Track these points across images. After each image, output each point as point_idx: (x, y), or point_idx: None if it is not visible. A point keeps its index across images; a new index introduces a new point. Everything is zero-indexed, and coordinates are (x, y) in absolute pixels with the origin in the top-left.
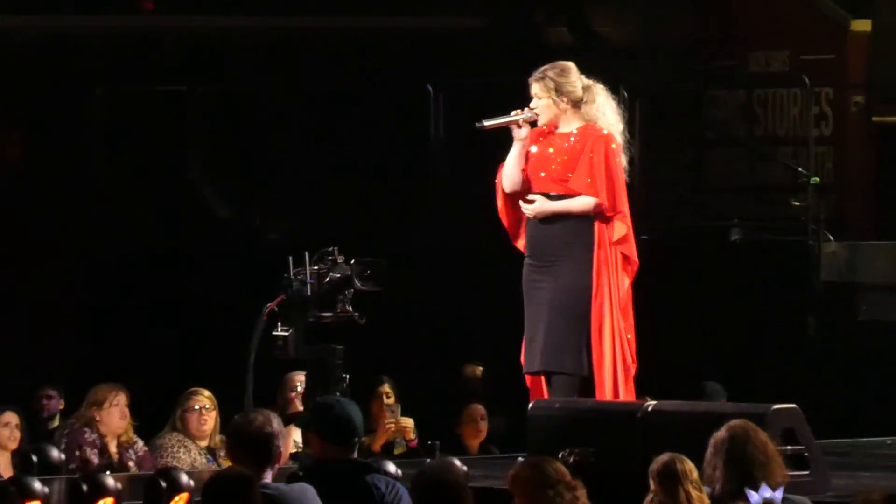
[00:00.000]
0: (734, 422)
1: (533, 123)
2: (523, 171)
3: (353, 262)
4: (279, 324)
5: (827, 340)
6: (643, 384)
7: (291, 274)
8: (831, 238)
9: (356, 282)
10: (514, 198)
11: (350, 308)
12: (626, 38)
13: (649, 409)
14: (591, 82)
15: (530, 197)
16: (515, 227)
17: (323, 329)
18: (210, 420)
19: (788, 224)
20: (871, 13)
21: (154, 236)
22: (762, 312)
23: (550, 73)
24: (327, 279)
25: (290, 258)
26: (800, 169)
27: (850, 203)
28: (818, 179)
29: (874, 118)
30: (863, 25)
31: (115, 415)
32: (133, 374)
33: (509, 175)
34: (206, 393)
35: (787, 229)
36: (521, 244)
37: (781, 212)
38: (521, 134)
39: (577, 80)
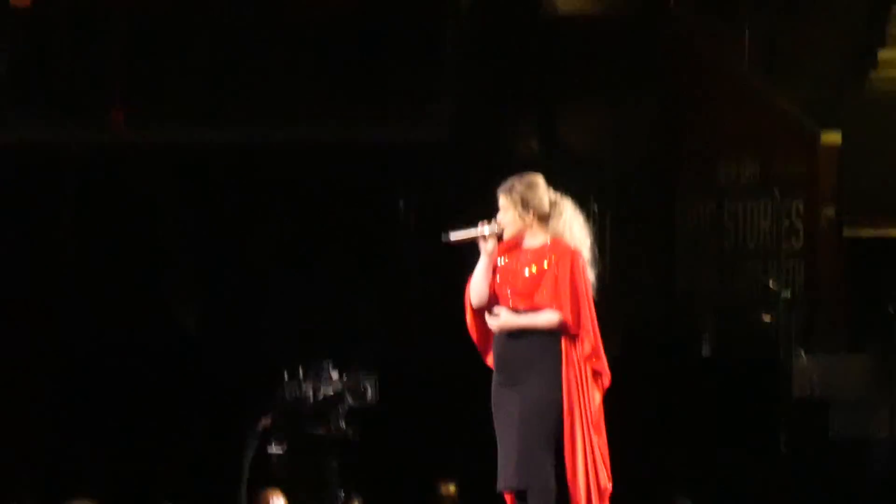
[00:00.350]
0: None
1: (500, 237)
2: (490, 284)
3: (344, 376)
4: (272, 440)
5: (797, 458)
6: (616, 500)
7: (285, 389)
8: (802, 353)
9: (348, 398)
10: (483, 313)
11: (343, 424)
12: (594, 148)
13: None
14: (558, 197)
15: (495, 310)
16: (485, 343)
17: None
18: None
19: (759, 338)
20: (841, 125)
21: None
22: (732, 428)
23: (518, 187)
24: (320, 394)
25: (285, 372)
26: (770, 283)
27: (821, 316)
28: (788, 293)
29: (845, 232)
30: (833, 137)
31: None
32: (109, 489)
33: (477, 290)
34: None
35: (758, 344)
36: (490, 360)
37: (752, 326)
38: (487, 247)
39: (544, 194)
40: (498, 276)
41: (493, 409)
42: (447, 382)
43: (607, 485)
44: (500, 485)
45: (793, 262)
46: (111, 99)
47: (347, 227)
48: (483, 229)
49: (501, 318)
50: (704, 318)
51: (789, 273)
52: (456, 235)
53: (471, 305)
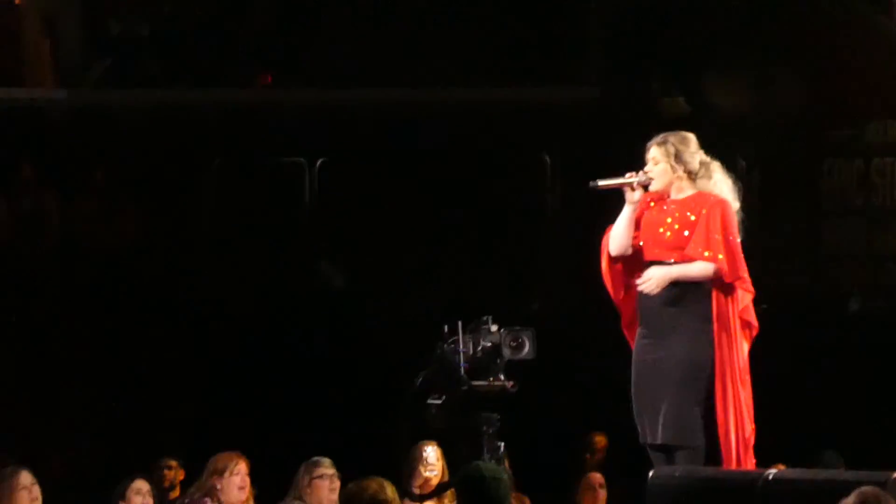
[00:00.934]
0: (865, 489)
1: (646, 187)
2: (634, 236)
3: (502, 330)
4: (431, 392)
5: None
6: (761, 453)
7: (446, 343)
8: None
9: (505, 351)
10: (619, 261)
11: (503, 377)
12: (741, 108)
13: (770, 477)
14: (708, 159)
15: (645, 274)
16: (619, 291)
17: (472, 398)
18: (337, 489)
19: None
20: None
21: (269, 304)
22: (881, 382)
23: (672, 139)
24: (479, 348)
25: (445, 327)
26: None
27: None
28: None
29: None
30: None
31: (235, 483)
32: (252, 441)
33: (618, 237)
34: (329, 461)
35: None
36: (625, 311)
37: None
38: (633, 197)
39: (696, 152)
40: (644, 228)
41: (634, 363)
42: (598, 337)
43: (751, 437)
44: (647, 438)
45: None
46: (258, 61)
47: (498, 185)
48: (632, 178)
49: (654, 273)
50: (852, 274)
51: None
52: (603, 182)
53: (608, 253)
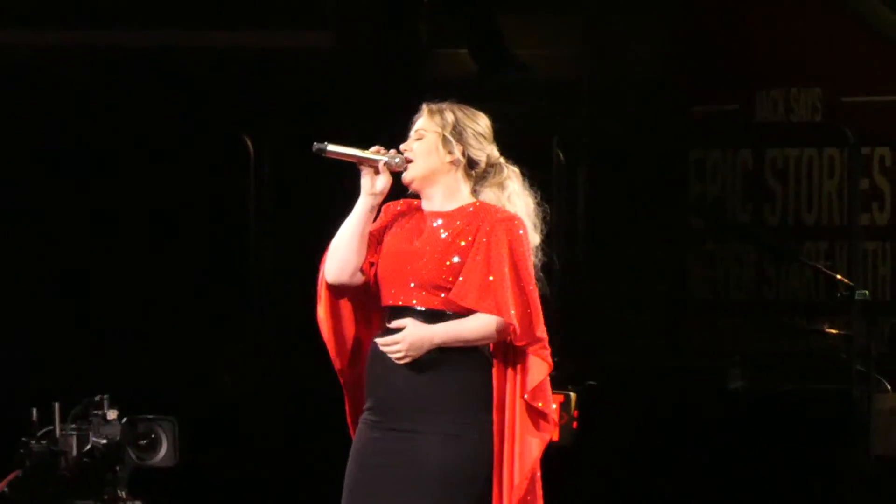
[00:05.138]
0: None
1: (398, 173)
2: (368, 258)
3: (125, 420)
4: None
5: None
6: None
7: (34, 437)
8: (888, 387)
9: (129, 452)
10: (345, 296)
11: (123, 494)
12: (565, 66)
13: None
14: (503, 161)
15: (395, 323)
16: (343, 347)
17: None
18: None
19: (820, 364)
20: None
21: None
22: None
23: (454, 108)
24: (88, 446)
25: (34, 410)
26: (839, 277)
27: None
28: (867, 293)
29: None
30: None
31: None
32: None
33: (341, 253)
34: None
35: (818, 372)
36: (352, 380)
37: (809, 344)
38: (377, 185)
39: (488, 141)
40: (383, 254)
41: (355, 463)
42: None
43: None
44: None
45: (874, 245)
46: None
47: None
48: (379, 155)
49: (407, 333)
50: (733, 333)
51: (869, 261)
52: (336, 148)
53: (326, 285)
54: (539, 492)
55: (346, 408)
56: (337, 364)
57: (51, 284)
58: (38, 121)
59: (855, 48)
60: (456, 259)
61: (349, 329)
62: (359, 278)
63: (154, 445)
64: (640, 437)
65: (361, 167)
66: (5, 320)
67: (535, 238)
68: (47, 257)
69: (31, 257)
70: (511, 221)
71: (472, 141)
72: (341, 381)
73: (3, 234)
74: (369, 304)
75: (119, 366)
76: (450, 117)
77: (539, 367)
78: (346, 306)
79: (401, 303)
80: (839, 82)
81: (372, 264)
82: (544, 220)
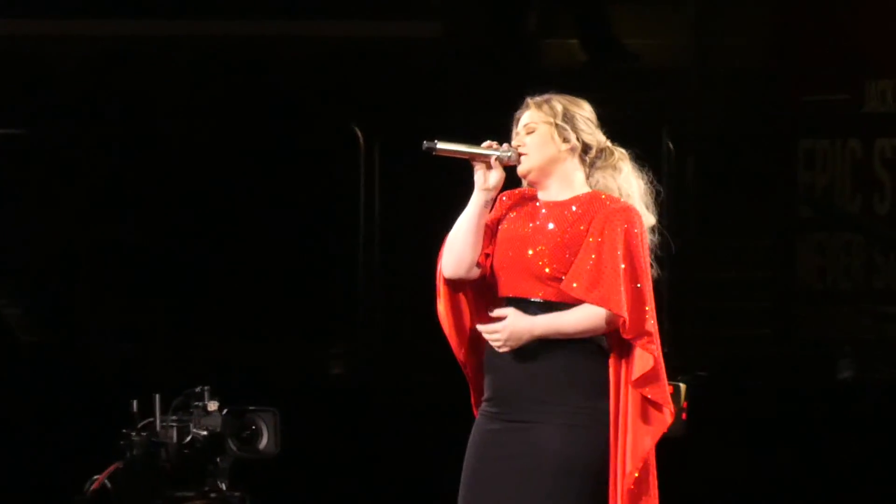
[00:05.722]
0: None
1: (512, 168)
2: (484, 251)
3: (226, 411)
4: None
5: None
6: None
7: (136, 429)
8: None
9: (230, 444)
10: (464, 290)
11: (224, 486)
12: (674, 56)
13: None
14: (612, 145)
15: (497, 312)
16: (464, 339)
17: None
18: None
19: None
20: None
21: None
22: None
23: (560, 98)
24: (188, 437)
25: (134, 402)
26: None
27: None
28: None
29: None
30: None
31: None
32: None
33: (457, 249)
34: None
35: None
36: (477, 376)
37: None
38: (490, 180)
39: (596, 126)
40: (498, 244)
41: (473, 455)
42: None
43: None
44: None
45: None
46: None
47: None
48: (492, 151)
49: (509, 322)
50: (843, 323)
51: None
52: (447, 146)
53: (444, 280)
54: (653, 483)
55: (472, 397)
56: (460, 356)
57: (153, 276)
58: (151, 111)
59: None
60: (570, 249)
61: (469, 321)
62: (475, 272)
63: (255, 437)
64: (750, 428)
65: (474, 163)
66: (107, 312)
67: (649, 219)
68: (151, 250)
69: (135, 249)
70: (626, 212)
71: (583, 126)
72: (465, 371)
73: (107, 226)
74: (487, 294)
75: (221, 356)
76: (558, 106)
77: (645, 358)
78: (464, 299)
79: (517, 293)
80: None
81: (488, 255)
82: (656, 201)
